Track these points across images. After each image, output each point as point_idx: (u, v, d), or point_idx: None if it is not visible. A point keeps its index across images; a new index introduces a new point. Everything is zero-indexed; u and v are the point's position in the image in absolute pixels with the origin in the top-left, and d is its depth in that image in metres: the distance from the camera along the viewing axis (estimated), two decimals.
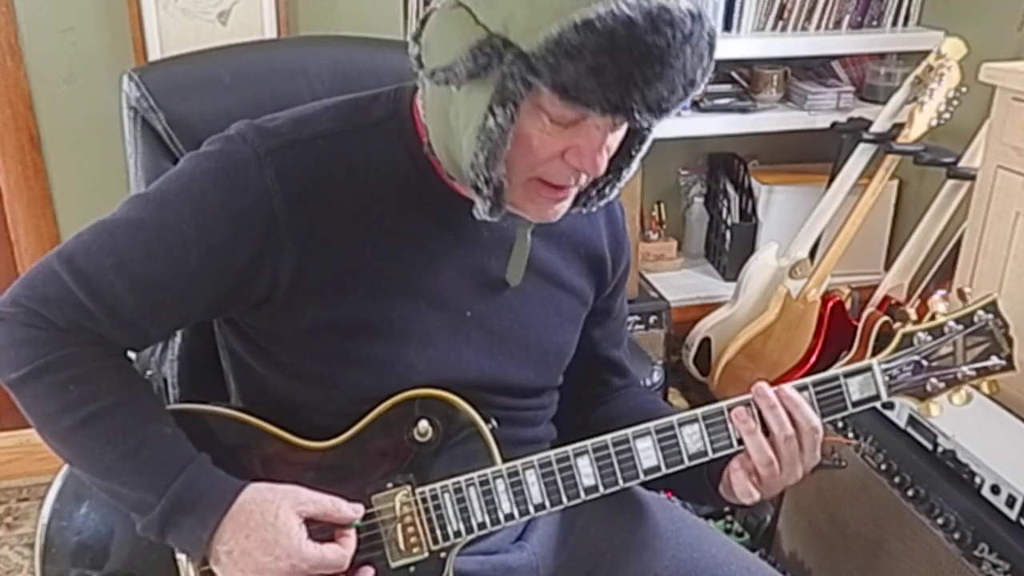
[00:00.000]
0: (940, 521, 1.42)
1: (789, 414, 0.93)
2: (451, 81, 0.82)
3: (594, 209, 0.96)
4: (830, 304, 2.17)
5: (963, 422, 1.41)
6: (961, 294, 0.98)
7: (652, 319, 2.23)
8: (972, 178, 1.82)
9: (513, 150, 0.83)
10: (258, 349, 0.98)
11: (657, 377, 1.44)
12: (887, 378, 0.96)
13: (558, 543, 1.11)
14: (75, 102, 2.02)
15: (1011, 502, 1.33)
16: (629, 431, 0.95)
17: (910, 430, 1.53)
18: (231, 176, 0.90)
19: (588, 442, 0.94)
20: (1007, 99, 1.60)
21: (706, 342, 2.34)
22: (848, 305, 2.19)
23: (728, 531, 2.04)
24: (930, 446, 1.48)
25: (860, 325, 2.10)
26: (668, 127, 2.34)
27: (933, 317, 0.97)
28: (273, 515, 0.88)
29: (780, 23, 2.37)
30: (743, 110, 2.40)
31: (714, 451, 0.95)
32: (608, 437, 0.94)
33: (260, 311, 0.94)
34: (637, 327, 2.21)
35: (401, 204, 0.94)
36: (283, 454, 0.96)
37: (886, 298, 2.17)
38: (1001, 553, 1.33)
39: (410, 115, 0.94)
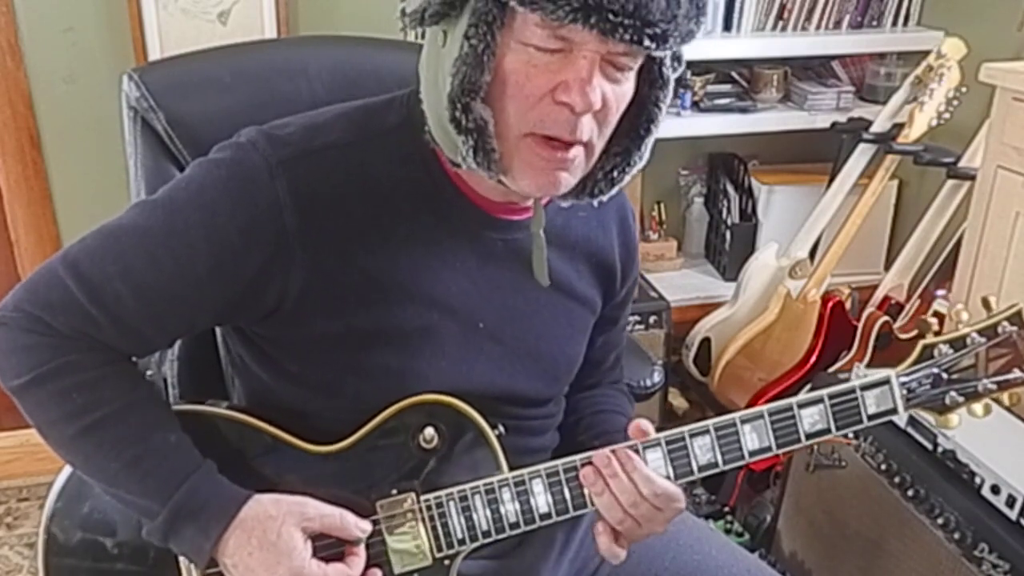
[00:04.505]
0: (940, 521, 1.42)
1: (633, 481, 0.91)
2: (426, 16, 0.81)
3: (604, 198, 0.92)
4: (830, 304, 2.16)
5: (963, 422, 1.41)
6: (986, 303, 0.93)
7: (652, 319, 2.23)
8: (972, 178, 1.82)
9: (500, 90, 0.81)
10: (265, 358, 0.97)
11: (657, 377, 1.43)
12: (905, 392, 0.93)
13: (560, 547, 1.11)
14: (75, 102, 2.02)
15: (1011, 502, 1.33)
16: (638, 442, 0.93)
17: (910, 430, 1.53)
18: (242, 186, 0.88)
19: (595, 453, 0.93)
20: (1007, 99, 1.60)
21: (706, 342, 2.34)
22: (848, 305, 2.19)
23: (728, 531, 2.04)
24: (930, 446, 1.48)
25: (860, 325, 2.10)
26: (668, 127, 2.36)
27: (956, 327, 0.93)
28: (276, 533, 0.87)
29: (780, 23, 2.37)
30: (743, 110, 2.39)
31: (725, 462, 0.93)
32: (617, 448, 0.93)
33: (269, 321, 0.92)
34: (637, 327, 2.21)
35: (415, 213, 0.93)
36: (289, 458, 0.95)
37: (886, 298, 2.17)
38: (1001, 553, 1.33)
39: (423, 125, 0.92)
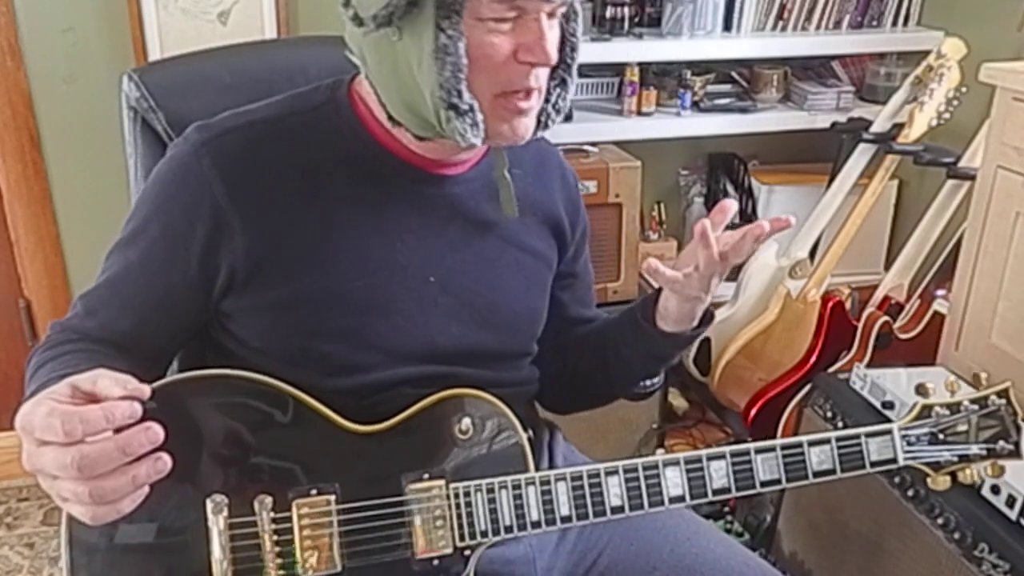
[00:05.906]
0: (940, 521, 1.42)
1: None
2: (393, 18, 0.86)
3: (552, 125, 0.99)
4: (830, 304, 2.16)
5: None
6: (976, 378, 1.03)
7: None
8: (972, 178, 1.82)
9: (472, 67, 0.88)
10: (231, 337, 1.00)
11: (657, 377, 1.44)
12: (905, 444, 1.01)
13: (557, 536, 1.12)
14: (75, 102, 2.03)
15: (1011, 502, 1.33)
16: (659, 459, 0.97)
17: None
18: (177, 174, 0.97)
19: (619, 463, 0.96)
20: (1007, 99, 1.60)
21: (706, 342, 2.33)
22: (848, 305, 2.18)
23: (728, 531, 2.04)
24: None
25: (860, 325, 2.10)
26: (668, 127, 2.35)
27: (952, 396, 1.03)
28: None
29: (780, 23, 2.37)
30: (743, 110, 2.39)
31: (738, 489, 0.98)
32: (639, 461, 0.96)
33: (229, 298, 0.97)
34: None
35: (348, 177, 0.98)
36: (323, 432, 0.95)
37: (886, 298, 2.17)
38: (1001, 553, 1.33)
39: (348, 99, 1.00)
